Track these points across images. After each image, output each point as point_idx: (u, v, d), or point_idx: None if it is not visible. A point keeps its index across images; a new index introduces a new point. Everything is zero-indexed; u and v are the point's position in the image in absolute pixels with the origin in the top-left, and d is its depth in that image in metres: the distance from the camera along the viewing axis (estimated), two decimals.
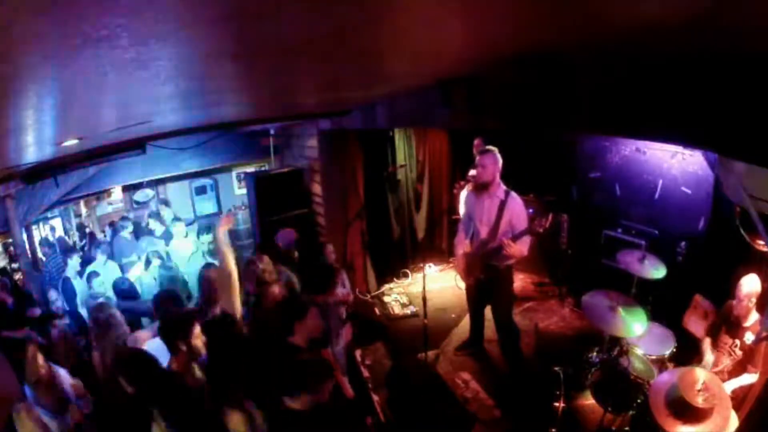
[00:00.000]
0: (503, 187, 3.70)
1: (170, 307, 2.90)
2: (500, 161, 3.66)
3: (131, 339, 2.86)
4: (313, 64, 1.85)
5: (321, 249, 4.09)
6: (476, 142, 5.26)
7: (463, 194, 4.56)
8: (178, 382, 2.27)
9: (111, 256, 5.06)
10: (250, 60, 1.54)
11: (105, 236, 6.46)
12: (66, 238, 6.40)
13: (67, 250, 5.21)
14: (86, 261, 4.95)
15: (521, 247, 3.54)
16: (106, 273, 4.49)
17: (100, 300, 3.82)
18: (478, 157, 3.67)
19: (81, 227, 6.58)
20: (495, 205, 3.66)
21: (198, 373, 2.42)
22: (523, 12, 1.21)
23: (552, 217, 3.62)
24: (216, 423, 2.17)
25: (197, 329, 2.36)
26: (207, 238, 5.07)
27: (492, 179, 3.65)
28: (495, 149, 3.67)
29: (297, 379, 2.10)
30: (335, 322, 3.30)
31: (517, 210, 3.62)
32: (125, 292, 4.10)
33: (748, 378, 2.85)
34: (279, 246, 4.16)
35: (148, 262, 4.78)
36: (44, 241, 5.89)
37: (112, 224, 6.71)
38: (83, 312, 4.28)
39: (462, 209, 4.91)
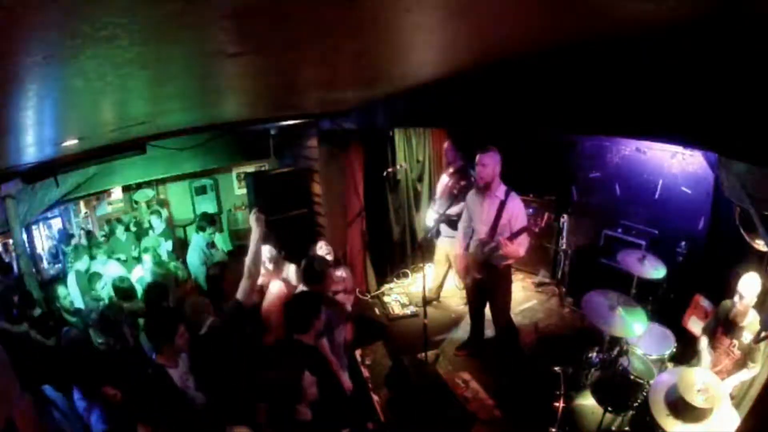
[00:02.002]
0: (504, 187, 3.69)
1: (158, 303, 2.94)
2: (500, 161, 3.66)
3: None
4: (313, 64, 1.86)
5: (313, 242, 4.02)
6: (446, 145, 5.16)
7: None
8: (166, 377, 2.30)
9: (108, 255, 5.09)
10: (250, 59, 1.54)
11: (102, 234, 6.47)
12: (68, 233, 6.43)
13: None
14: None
15: (518, 248, 3.54)
16: (107, 273, 4.51)
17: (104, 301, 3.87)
18: (478, 157, 3.67)
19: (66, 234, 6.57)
20: (495, 205, 3.66)
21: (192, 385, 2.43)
22: (524, 12, 1.21)
23: (548, 216, 3.62)
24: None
25: (181, 329, 2.39)
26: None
27: (492, 179, 3.64)
28: (495, 149, 3.67)
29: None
30: (335, 318, 3.28)
31: (517, 210, 3.62)
32: (124, 291, 4.08)
33: (747, 374, 2.85)
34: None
35: (138, 259, 4.82)
36: (61, 233, 5.93)
37: (108, 222, 6.73)
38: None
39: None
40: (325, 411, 2.25)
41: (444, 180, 5.12)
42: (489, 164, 3.60)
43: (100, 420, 2.42)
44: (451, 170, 5.07)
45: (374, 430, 3.04)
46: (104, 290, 4.12)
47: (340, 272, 3.65)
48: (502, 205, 3.63)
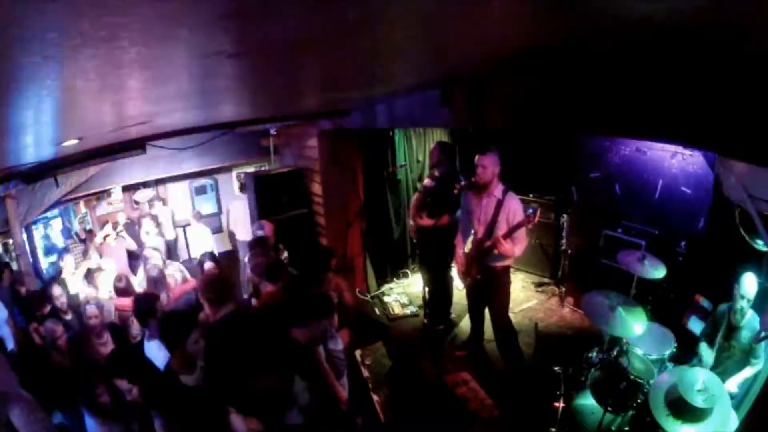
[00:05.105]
0: (501, 186, 3.70)
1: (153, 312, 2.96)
2: (499, 162, 3.66)
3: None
4: (313, 64, 1.85)
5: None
6: (433, 145, 4.86)
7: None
8: (176, 380, 2.28)
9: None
10: (249, 60, 1.54)
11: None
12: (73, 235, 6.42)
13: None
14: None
15: (513, 246, 3.54)
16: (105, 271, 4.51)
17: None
18: (477, 158, 3.67)
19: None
20: (492, 204, 3.67)
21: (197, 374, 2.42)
22: (525, 12, 1.21)
23: (540, 212, 3.64)
24: (218, 425, 2.17)
25: (195, 335, 2.36)
26: None
27: (491, 179, 3.65)
28: (495, 150, 3.66)
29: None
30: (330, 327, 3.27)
31: (514, 209, 3.63)
32: (121, 290, 4.08)
33: (750, 371, 2.85)
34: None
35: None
36: (65, 232, 5.93)
37: (115, 224, 6.72)
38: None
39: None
40: (318, 415, 2.24)
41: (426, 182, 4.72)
42: (488, 166, 3.61)
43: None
44: (436, 173, 4.61)
45: (364, 425, 3.02)
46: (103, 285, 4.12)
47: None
48: (500, 204, 3.63)
